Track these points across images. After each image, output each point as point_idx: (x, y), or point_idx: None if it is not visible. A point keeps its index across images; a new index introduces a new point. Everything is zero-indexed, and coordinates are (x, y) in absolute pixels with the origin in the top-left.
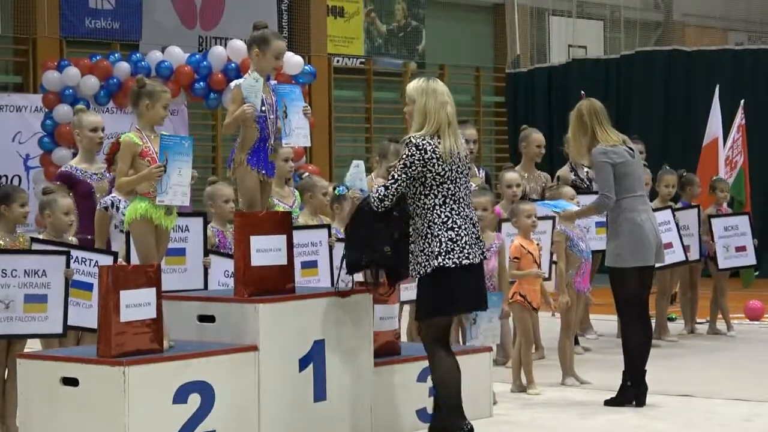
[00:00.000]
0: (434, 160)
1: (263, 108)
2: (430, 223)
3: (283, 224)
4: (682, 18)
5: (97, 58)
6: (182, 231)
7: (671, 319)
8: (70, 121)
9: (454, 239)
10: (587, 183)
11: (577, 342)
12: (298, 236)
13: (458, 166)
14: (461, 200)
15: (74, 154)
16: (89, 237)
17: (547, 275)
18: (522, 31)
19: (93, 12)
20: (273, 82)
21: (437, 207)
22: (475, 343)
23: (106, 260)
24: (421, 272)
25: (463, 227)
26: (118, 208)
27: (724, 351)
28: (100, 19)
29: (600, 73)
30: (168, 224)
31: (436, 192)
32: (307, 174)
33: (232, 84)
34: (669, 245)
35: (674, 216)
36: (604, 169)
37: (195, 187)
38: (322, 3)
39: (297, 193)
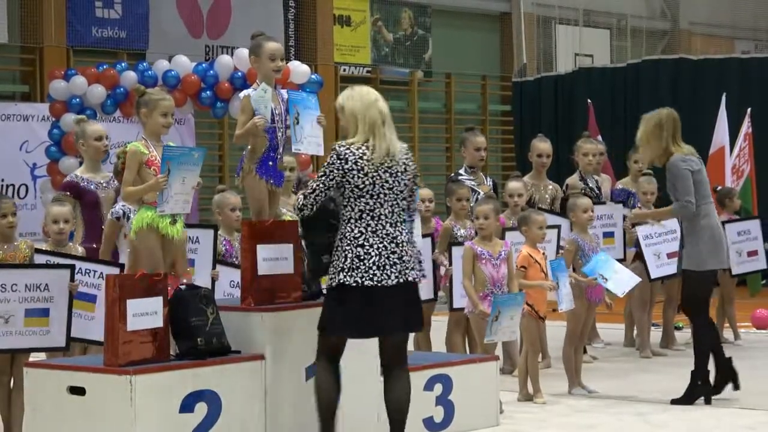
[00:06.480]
0: (354, 172)
1: (273, 118)
2: (342, 237)
3: (290, 233)
4: (689, 26)
5: (104, 67)
6: (192, 242)
7: (678, 328)
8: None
9: (362, 257)
10: (596, 192)
11: (585, 351)
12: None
13: (385, 181)
14: (382, 217)
15: (81, 163)
16: (95, 246)
17: (555, 286)
18: (528, 40)
19: (100, 21)
20: (284, 91)
21: (352, 221)
22: (494, 338)
23: (112, 272)
24: (328, 284)
25: (375, 246)
26: (128, 218)
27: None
28: (106, 28)
29: (607, 82)
30: (174, 233)
31: (353, 205)
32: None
33: (241, 94)
34: (675, 254)
35: (681, 225)
36: (685, 176)
37: (203, 197)
38: (328, 12)
39: None
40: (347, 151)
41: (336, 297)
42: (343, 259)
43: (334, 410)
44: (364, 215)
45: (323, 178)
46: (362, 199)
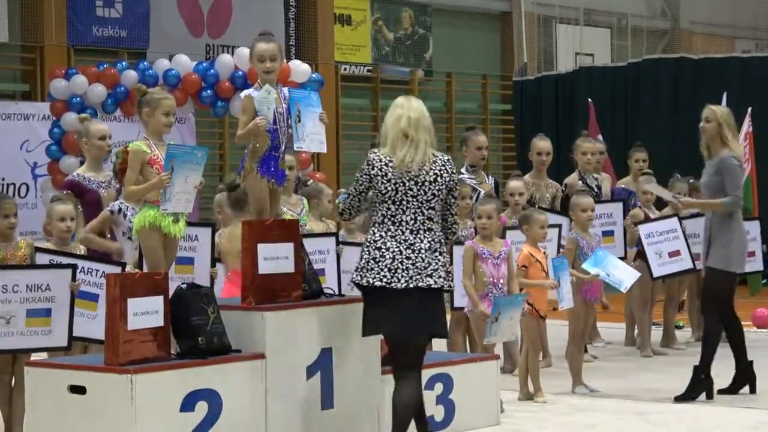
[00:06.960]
0: (379, 177)
1: (275, 118)
2: (366, 238)
3: (291, 232)
4: (690, 26)
5: (105, 66)
6: (192, 240)
7: (678, 327)
8: (76, 129)
9: (377, 259)
10: (596, 191)
11: (585, 350)
12: (305, 244)
13: (409, 189)
14: (403, 224)
15: (81, 162)
16: None
17: (556, 285)
18: (529, 39)
19: (100, 20)
20: (285, 89)
21: (376, 224)
22: (493, 339)
23: (113, 270)
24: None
25: (391, 250)
26: (125, 215)
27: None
28: (107, 27)
29: (607, 81)
30: (176, 232)
31: (377, 209)
32: (312, 181)
33: (242, 94)
34: (677, 253)
35: (681, 224)
36: (738, 172)
37: (204, 195)
38: (329, 11)
39: (305, 201)
40: (375, 158)
41: (364, 297)
42: (359, 259)
43: (411, 418)
44: (386, 220)
45: (356, 183)
46: (385, 205)
